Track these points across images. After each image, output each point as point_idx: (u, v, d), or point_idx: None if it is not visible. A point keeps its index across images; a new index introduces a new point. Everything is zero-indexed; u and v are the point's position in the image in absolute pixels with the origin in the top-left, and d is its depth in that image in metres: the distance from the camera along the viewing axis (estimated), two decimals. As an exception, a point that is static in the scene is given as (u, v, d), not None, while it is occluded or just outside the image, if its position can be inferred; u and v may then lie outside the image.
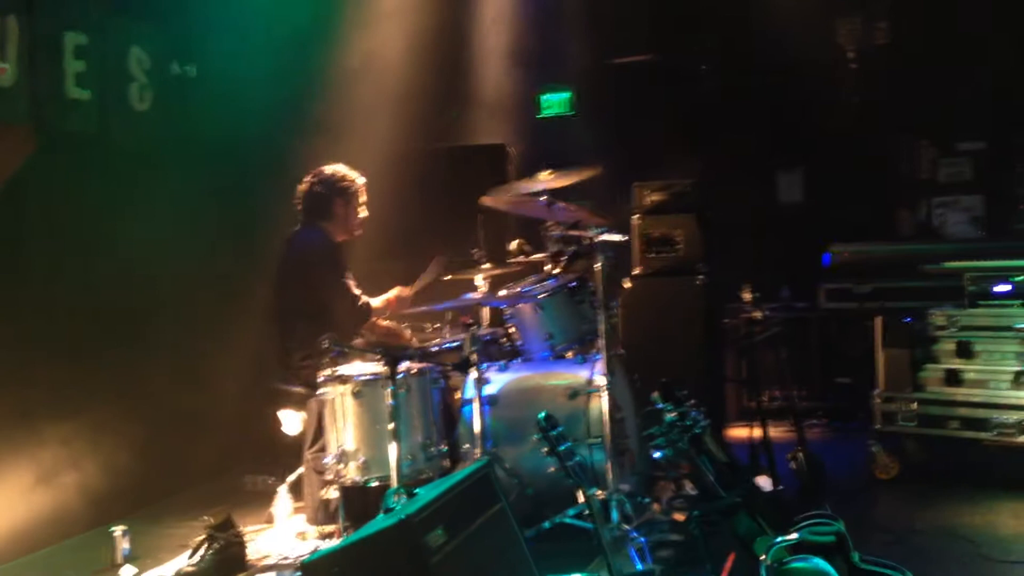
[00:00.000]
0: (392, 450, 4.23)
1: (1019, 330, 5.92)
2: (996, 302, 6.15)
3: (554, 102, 9.15)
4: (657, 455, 4.10)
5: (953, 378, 6.10)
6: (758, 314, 5.65)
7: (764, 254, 8.31)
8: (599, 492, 3.98)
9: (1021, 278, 6.12)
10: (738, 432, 6.44)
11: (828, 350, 7.77)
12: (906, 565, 4.27)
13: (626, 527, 4.11)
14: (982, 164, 8.17)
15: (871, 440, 6.30)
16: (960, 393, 6.06)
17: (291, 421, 5.28)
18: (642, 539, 4.07)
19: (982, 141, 8.16)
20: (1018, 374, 5.89)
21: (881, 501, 6.02)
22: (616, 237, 4.90)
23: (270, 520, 5.43)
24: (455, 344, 5.25)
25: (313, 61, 7.22)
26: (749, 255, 7.86)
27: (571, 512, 4.37)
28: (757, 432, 5.70)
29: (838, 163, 8.62)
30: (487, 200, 5.29)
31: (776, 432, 6.12)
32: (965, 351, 6.09)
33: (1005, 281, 6.16)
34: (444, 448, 4.81)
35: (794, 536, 3.53)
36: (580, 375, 4.91)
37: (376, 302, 5.55)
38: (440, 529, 3.15)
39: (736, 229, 7.96)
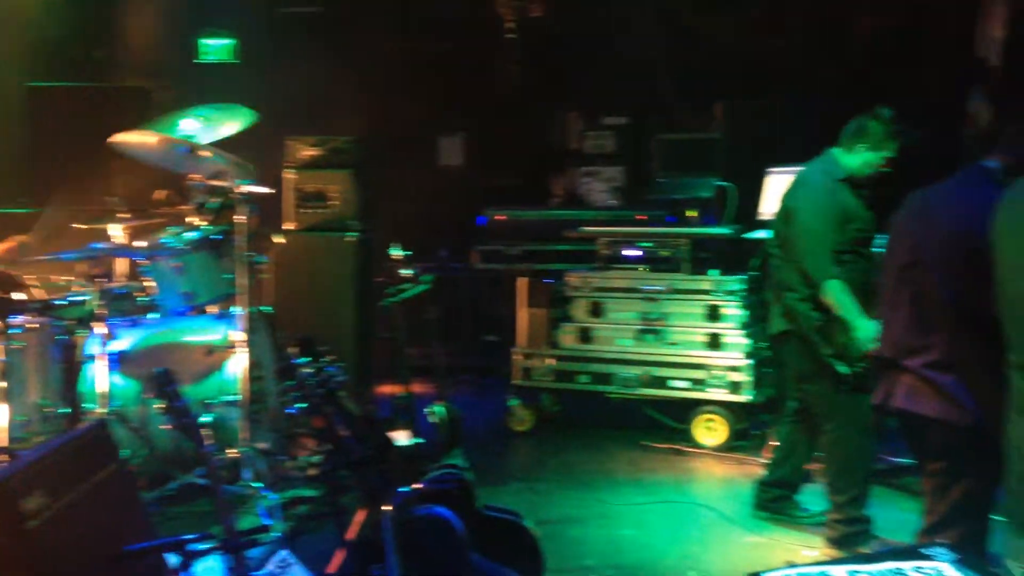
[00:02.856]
0: (2, 411, 3.91)
1: (645, 291, 6.44)
2: (626, 265, 6.65)
3: (215, 48, 8.76)
4: (292, 410, 4.06)
5: (585, 336, 6.54)
6: (407, 272, 5.73)
7: (424, 214, 8.45)
8: (233, 450, 3.90)
9: (649, 243, 6.65)
10: (387, 389, 6.54)
11: (479, 309, 8.07)
12: (532, 510, 4.54)
13: (258, 485, 4.05)
14: (624, 137, 8.75)
15: (510, 395, 6.63)
16: (591, 350, 6.51)
17: None
18: (274, 496, 4.03)
19: (624, 116, 8.72)
20: (641, 331, 6.40)
21: (516, 452, 6.37)
22: (262, 190, 4.78)
23: None
24: (82, 298, 4.91)
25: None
26: (410, 215, 7.98)
27: (198, 472, 4.25)
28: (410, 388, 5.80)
29: (497, 130, 8.93)
30: (119, 144, 4.97)
31: (423, 388, 6.27)
32: (596, 310, 6.54)
33: (634, 246, 6.66)
34: (66, 409, 4.50)
35: (419, 486, 3.63)
36: (218, 332, 4.77)
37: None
38: (40, 492, 2.93)
39: (397, 189, 8.04)
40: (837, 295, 4.22)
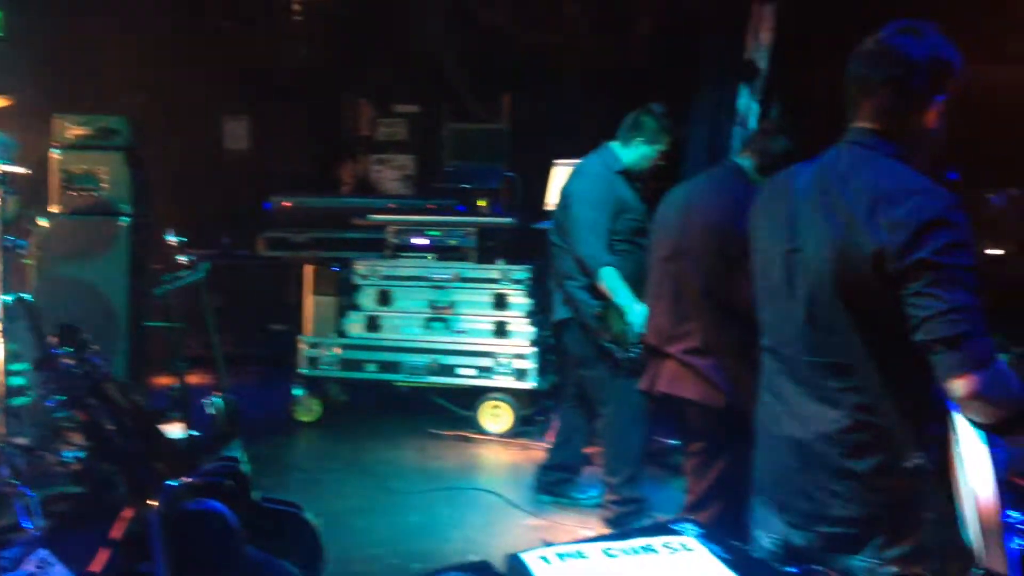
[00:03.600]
0: None
1: (433, 280, 6.45)
2: (415, 254, 6.64)
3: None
4: (51, 403, 3.82)
5: (373, 324, 6.49)
6: (183, 259, 5.50)
7: (208, 200, 8.17)
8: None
9: (437, 232, 6.67)
10: (163, 380, 6.28)
11: (264, 298, 7.87)
12: (316, 501, 4.46)
13: (14, 482, 3.79)
14: (415, 126, 8.73)
15: (296, 384, 6.51)
16: (378, 338, 6.48)
17: None
18: (32, 494, 3.78)
19: (416, 104, 8.71)
20: (429, 320, 6.42)
21: (302, 442, 6.26)
22: (18, 169, 4.47)
23: None
24: None
25: None
26: (192, 200, 7.69)
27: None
28: (185, 379, 5.59)
29: (285, 115, 8.72)
30: None
31: (203, 379, 6.07)
32: (385, 299, 6.51)
33: (423, 235, 6.67)
34: None
35: (190, 480, 3.50)
36: (-28, 321, 4.43)
37: None
38: None
39: (179, 173, 7.73)
40: (611, 282, 4.36)
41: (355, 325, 6.53)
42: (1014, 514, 2.26)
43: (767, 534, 2.38)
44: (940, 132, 2.25)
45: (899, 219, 2.05)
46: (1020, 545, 2.23)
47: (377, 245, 6.87)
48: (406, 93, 8.75)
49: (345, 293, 6.64)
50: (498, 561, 1.78)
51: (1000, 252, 6.70)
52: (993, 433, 2.12)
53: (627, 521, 4.53)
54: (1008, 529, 2.24)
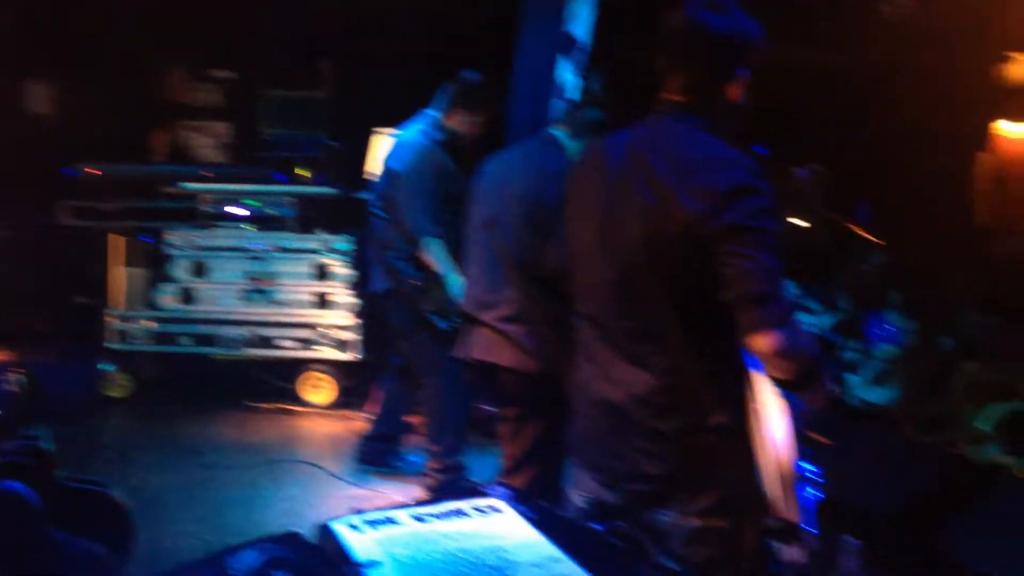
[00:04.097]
0: None
1: (250, 251, 6.29)
2: (231, 223, 6.45)
3: None
4: None
5: (188, 296, 6.28)
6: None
7: (6, 166, 7.67)
8: None
9: (256, 202, 6.50)
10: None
11: (69, 270, 7.46)
12: (129, 479, 4.30)
13: None
14: (232, 92, 8.45)
15: (105, 359, 6.23)
16: (193, 311, 6.27)
17: None
18: None
19: (232, 70, 8.43)
20: (247, 291, 6.26)
21: (112, 419, 6.02)
22: None
23: None
24: None
25: None
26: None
27: None
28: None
29: (93, 78, 8.26)
30: None
31: (2, 355, 5.75)
32: (200, 270, 6.30)
33: (240, 204, 6.48)
34: None
35: (-13, 461, 3.31)
36: None
37: None
38: None
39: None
40: (436, 253, 4.36)
41: (168, 297, 6.30)
42: (807, 466, 2.40)
43: (580, 493, 2.45)
44: (744, 104, 2.35)
45: (709, 186, 2.14)
46: (812, 495, 2.37)
47: (192, 215, 6.63)
48: (223, 58, 8.45)
49: (157, 265, 6.39)
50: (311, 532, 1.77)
51: (806, 224, 7.08)
52: (788, 389, 2.25)
53: (450, 489, 4.58)
54: (801, 480, 2.38)
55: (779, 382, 2.21)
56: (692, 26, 2.28)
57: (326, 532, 1.69)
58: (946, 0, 7.59)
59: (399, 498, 4.66)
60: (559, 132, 3.48)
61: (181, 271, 6.31)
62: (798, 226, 8.12)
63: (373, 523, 1.70)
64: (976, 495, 4.47)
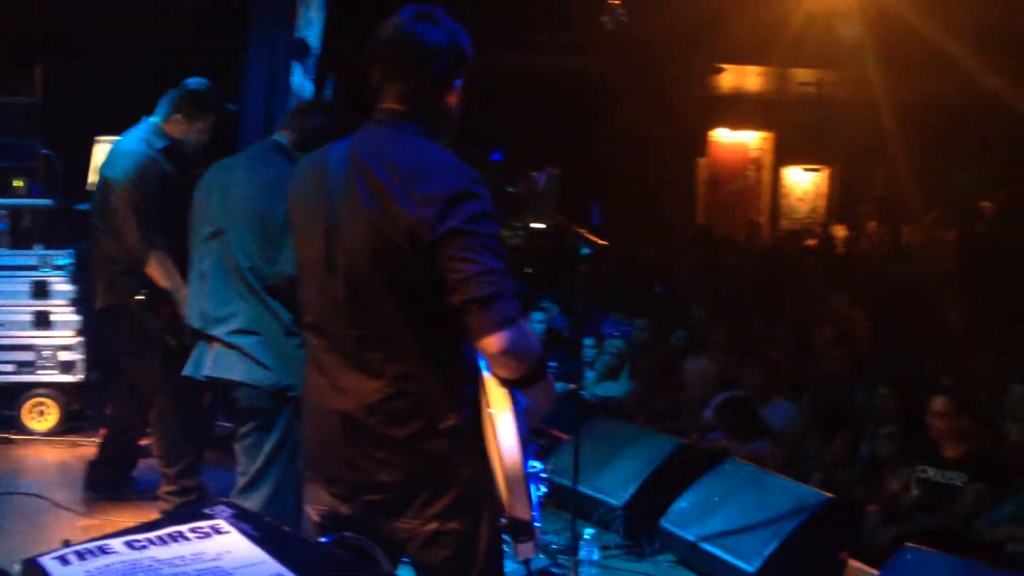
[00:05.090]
0: None
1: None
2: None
3: None
4: None
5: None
6: None
7: None
8: None
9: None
10: None
11: None
12: None
13: None
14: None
15: None
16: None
17: None
18: None
19: None
20: (38, 315, 5.82)
21: None
22: None
23: None
24: None
25: None
26: None
27: None
28: None
29: None
30: None
31: None
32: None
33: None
34: None
35: None
36: None
37: None
38: None
39: None
40: (160, 266, 4.17)
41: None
42: (536, 464, 2.47)
43: (316, 508, 2.40)
44: (459, 112, 2.39)
45: (430, 193, 2.15)
46: (540, 492, 2.44)
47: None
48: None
49: None
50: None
51: (543, 226, 7.32)
52: (517, 388, 2.30)
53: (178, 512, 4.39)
54: (532, 478, 2.45)
55: (507, 382, 2.26)
56: (405, 39, 2.30)
57: (32, 567, 1.58)
58: (661, 14, 8.11)
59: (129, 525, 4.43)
60: (283, 138, 3.42)
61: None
62: (534, 228, 8.39)
63: (82, 554, 1.60)
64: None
